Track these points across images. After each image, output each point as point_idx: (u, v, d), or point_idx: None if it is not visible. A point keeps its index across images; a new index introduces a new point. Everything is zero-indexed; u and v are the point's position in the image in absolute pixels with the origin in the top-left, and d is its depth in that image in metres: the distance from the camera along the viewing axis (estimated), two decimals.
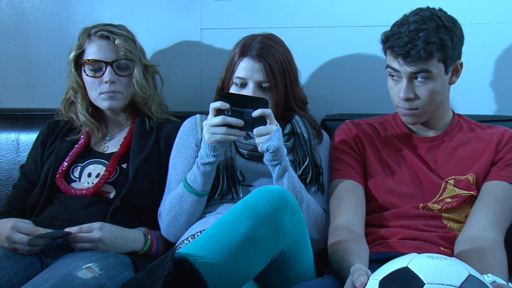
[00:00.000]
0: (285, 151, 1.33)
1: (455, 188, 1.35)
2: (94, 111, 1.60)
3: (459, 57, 1.35)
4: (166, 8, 1.83)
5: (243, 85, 1.44)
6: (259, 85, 1.43)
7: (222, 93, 1.32)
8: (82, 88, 1.56)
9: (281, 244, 1.12)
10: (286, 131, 1.49)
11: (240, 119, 1.29)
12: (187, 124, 1.55)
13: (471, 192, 1.34)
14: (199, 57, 1.83)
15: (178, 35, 1.83)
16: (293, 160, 1.45)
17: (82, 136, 1.58)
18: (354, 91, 1.80)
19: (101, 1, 1.84)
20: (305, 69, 1.76)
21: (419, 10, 1.34)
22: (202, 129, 1.48)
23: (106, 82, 1.50)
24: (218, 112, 1.30)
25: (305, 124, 1.50)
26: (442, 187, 1.36)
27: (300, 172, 1.42)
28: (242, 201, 1.14)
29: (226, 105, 1.29)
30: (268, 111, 1.29)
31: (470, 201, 1.36)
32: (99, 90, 1.52)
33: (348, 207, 1.35)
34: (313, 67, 1.80)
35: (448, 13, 1.36)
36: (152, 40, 1.76)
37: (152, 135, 1.56)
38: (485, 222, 1.28)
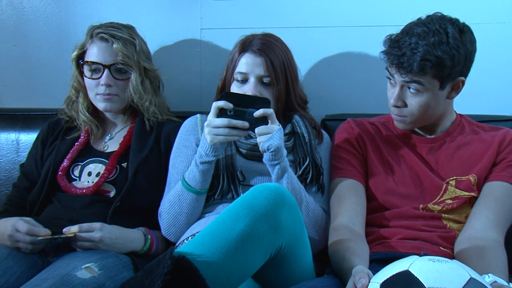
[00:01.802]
0: (285, 152, 1.33)
1: (456, 190, 1.35)
2: (95, 111, 1.60)
3: (462, 74, 1.32)
4: (166, 8, 1.83)
5: (244, 80, 1.44)
6: (260, 79, 1.44)
7: (225, 93, 1.32)
8: (83, 87, 1.56)
9: (279, 241, 1.13)
10: (286, 131, 1.49)
11: (243, 119, 1.29)
12: (187, 123, 1.55)
13: (472, 194, 1.34)
14: (199, 57, 1.83)
15: (178, 35, 1.83)
16: (294, 160, 1.45)
17: (82, 134, 1.58)
18: (354, 91, 1.80)
19: (101, 1, 1.84)
20: (305, 69, 1.77)
21: (430, 19, 1.31)
22: (202, 129, 1.48)
23: (103, 84, 1.50)
24: (220, 111, 1.29)
25: (305, 124, 1.50)
26: (443, 189, 1.36)
27: (300, 172, 1.42)
28: (240, 198, 1.14)
29: (230, 105, 1.28)
30: (270, 111, 1.29)
31: (471, 202, 1.36)
32: (95, 91, 1.52)
33: (349, 206, 1.35)
34: (313, 67, 1.80)
35: (449, 13, 1.34)
36: (152, 40, 1.74)
37: (152, 134, 1.56)
38: (485, 222, 1.28)
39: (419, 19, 1.33)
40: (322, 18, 1.77)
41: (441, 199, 1.35)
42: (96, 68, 1.51)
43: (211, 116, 1.30)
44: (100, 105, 1.54)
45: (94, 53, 1.51)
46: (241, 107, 1.29)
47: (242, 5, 1.79)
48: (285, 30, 1.65)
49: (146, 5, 1.83)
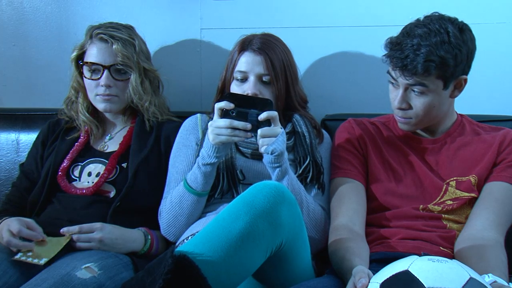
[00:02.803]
0: (286, 154, 1.33)
1: (456, 190, 1.35)
2: (94, 111, 1.60)
3: (464, 72, 1.33)
4: (166, 8, 1.83)
5: (244, 79, 1.45)
6: (259, 78, 1.44)
7: (227, 94, 1.33)
8: (82, 87, 1.57)
9: (279, 239, 1.13)
10: (287, 130, 1.49)
11: (245, 120, 1.28)
12: (187, 123, 1.56)
13: (472, 194, 1.35)
14: (199, 57, 1.84)
15: (178, 35, 1.84)
16: (294, 159, 1.45)
17: (82, 134, 1.59)
18: (354, 91, 1.80)
19: (101, 1, 1.84)
20: (305, 69, 1.77)
21: (429, 20, 1.31)
22: (202, 128, 1.48)
23: (102, 85, 1.51)
24: (223, 112, 1.29)
25: (305, 124, 1.50)
26: (443, 189, 1.36)
27: (300, 171, 1.42)
28: (239, 197, 1.14)
29: (231, 105, 1.28)
30: (274, 113, 1.29)
31: (471, 202, 1.36)
32: (95, 92, 1.53)
33: (349, 206, 1.35)
34: (313, 67, 1.80)
35: (449, 14, 1.34)
36: (152, 40, 1.74)
37: (152, 134, 1.57)
38: (486, 222, 1.29)
39: (418, 20, 1.33)
40: (322, 18, 1.78)
41: (441, 200, 1.35)
42: (96, 69, 1.52)
43: (214, 117, 1.31)
44: (100, 105, 1.54)
45: (93, 54, 1.51)
46: (244, 108, 1.29)
47: (242, 5, 1.80)
48: (285, 30, 1.66)
49: (146, 5, 1.84)
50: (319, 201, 1.43)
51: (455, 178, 1.37)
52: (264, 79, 1.44)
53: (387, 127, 1.48)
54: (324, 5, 1.77)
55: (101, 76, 1.51)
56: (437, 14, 1.33)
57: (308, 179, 1.43)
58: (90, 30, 1.55)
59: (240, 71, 1.45)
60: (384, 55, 1.34)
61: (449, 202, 1.35)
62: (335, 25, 1.77)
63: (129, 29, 1.58)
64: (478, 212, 1.32)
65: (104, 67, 1.50)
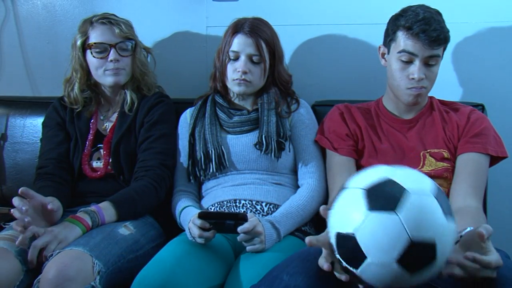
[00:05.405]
0: (275, 234, 1.39)
1: (433, 159, 1.46)
2: (90, 91, 1.69)
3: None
4: (176, 8, 1.95)
5: (236, 58, 1.55)
6: (250, 58, 1.54)
7: (201, 212, 1.34)
8: (83, 69, 1.65)
9: None
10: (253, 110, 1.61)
11: (223, 227, 1.33)
12: (181, 121, 1.69)
13: (447, 165, 1.45)
14: (205, 51, 1.94)
15: (186, 32, 1.95)
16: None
17: (91, 121, 1.69)
18: (340, 81, 1.90)
19: (121, 3, 1.97)
20: (301, 61, 1.89)
21: (417, 5, 1.43)
22: (189, 121, 1.63)
23: (111, 61, 1.58)
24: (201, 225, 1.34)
25: (269, 100, 1.59)
26: (422, 157, 1.47)
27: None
28: None
29: (206, 225, 1.33)
30: (252, 226, 1.31)
31: (448, 172, 1.45)
32: (104, 68, 1.60)
33: (342, 182, 1.43)
34: (308, 59, 1.90)
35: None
36: (163, 37, 1.90)
37: (134, 116, 1.66)
38: (469, 190, 1.38)
39: (409, 7, 1.44)
40: (318, 17, 1.87)
41: (422, 169, 1.45)
42: (103, 48, 1.59)
43: (194, 232, 1.36)
44: (109, 79, 1.62)
45: (98, 35, 1.59)
46: (220, 220, 1.32)
47: (243, 5, 1.91)
48: (283, 27, 1.73)
49: (160, 6, 1.96)
50: (310, 173, 1.56)
51: (429, 150, 1.48)
52: (254, 59, 1.54)
53: (369, 110, 1.59)
54: (324, 5, 1.87)
55: (108, 54, 1.59)
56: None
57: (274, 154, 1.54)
58: (88, 19, 1.63)
59: (233, 51, 1.54)
60: (410, 33, 1.37)
61: (429, 169, 1.45)
62: (327, 23, 1.88)
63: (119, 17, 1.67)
64: (457, 184, 1.41)
65: (111, 45, 1.59)
